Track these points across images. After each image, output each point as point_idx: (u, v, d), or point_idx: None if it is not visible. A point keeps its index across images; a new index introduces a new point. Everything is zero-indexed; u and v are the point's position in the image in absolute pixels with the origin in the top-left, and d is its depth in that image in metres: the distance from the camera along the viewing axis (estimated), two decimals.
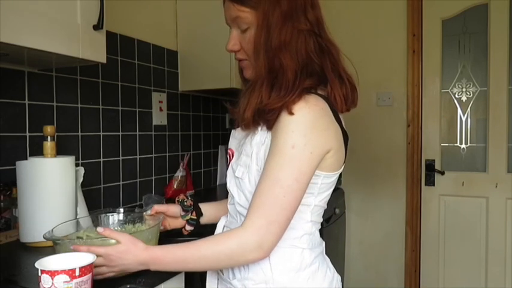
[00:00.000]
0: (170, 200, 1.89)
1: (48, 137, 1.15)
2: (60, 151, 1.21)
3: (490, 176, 2.35)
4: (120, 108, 1.72)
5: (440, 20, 2.42)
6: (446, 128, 2.47)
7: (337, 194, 2.41)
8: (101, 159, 1.62)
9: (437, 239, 2.47)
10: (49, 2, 1.03)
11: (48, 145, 1.15)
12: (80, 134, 1.53)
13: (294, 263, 0.85)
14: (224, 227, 0.97)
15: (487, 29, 2.32)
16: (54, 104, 1.43)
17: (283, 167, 0.77)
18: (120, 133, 1.73)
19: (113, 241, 0.86)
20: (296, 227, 0.85)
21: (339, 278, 0.94)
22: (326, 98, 0.84)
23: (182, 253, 0.83)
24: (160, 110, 1.97)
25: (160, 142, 1.98)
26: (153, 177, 1.92)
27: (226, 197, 0.99)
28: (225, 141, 2.47)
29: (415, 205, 2.50)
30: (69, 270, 0.68)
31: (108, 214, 1.12)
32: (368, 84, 2.49)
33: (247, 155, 0.86)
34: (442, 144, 2.47)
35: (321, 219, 0.92)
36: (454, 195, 2.44)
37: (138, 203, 1.80)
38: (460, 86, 2.43)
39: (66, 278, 0.68)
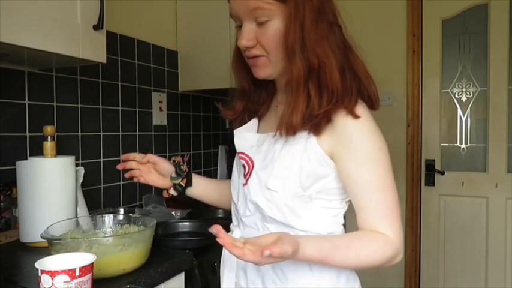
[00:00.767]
0: (170, 200, 1.88)
1: (48, 137, 1.15)
2: (60, 151, 1.21)
3: (490, 176, 2.35)
4: (120, 108, 1.72)
5: (440, 20, 2.42)
6: (446, 128, 2.47)
7: None
8: (101, 159, 1.62)
9: (437, 239, 2.47)
10: (49, 2, 1.03)
11: (48, 145, 1.15)
12: (80, 134, 1.53)
13: (334, 267, 0.81)
14: (240, 237, 0.82)
15: (487, 29, 2.32)
16: (54, 104, 1.43)
17: (382, 172, 0.78)
18: (120, 133, 1.73)
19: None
20: (335, 231, 0.84)
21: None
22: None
23: (338, 260, 0.76)
24: (160, 110, 1.97)
25: (160, 142, 1.98)
26: None
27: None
28: (225, 141, 2.47)
29: (415, 205, 2.50)
30: (69, 270, 0.68)
31: (104, 215, 1.12)
32: None
33: (284, 165, 0.80)
34: (442, 144, 2.47)
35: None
36: (454, 195, 2.44)
37: (138, 203, 1.80)
38: (460, 86, 2.43)
39: (66, 278, 0.68)
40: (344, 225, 0.87)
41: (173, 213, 1.54)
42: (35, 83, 1.35)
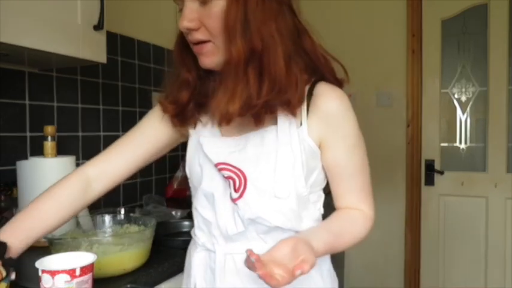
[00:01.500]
0: (170, 200, 1.89)
1: (49, 137, 1.15)
2: (61, 151, 1.21)
3: (489, 176, 2.35)
4: (120, 108, 1.72)
5: (440, 20, 2.42)
6: (445, 128, 2.47)
7: None
8: None
9: (437, 239, 2.48)
10: (49, 2, 1.03)
11: (49, 145, 1.15)
12: (80, 134, 1.53)
13: (328, 262, 0.86)
14: (226, 254, 0.78)
15: (486, 29, 2.32)
16: (55, 104, 1.43)
17: (362, 154, 0.81)
18: (120, 133, 1.73)
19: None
20: (320, 219, 0.82)
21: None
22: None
23: (339, 246, 0.78)
24: None
25: None
26: (153, 177, 1.92)
27: None
28: None
29: (415, 205, 2.50)
30: (70, 269, 0.68)
31: (104, 215, 1.12)
32: (367, 84, 2.49)
33: (287, 169, 0.73)
34: (441, 144, 2.47)
35: None
36: (453, 195, 2.44)
37: (138, 203, 1.80)
38: (459, 86, 2.43)
39: (67, 277, 0.68)
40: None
41: (173, 213, 1.54)
42: (35, 83, 1.35)
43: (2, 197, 1.21)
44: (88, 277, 0.71)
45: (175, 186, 1.95)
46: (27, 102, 1.33)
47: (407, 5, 2.45)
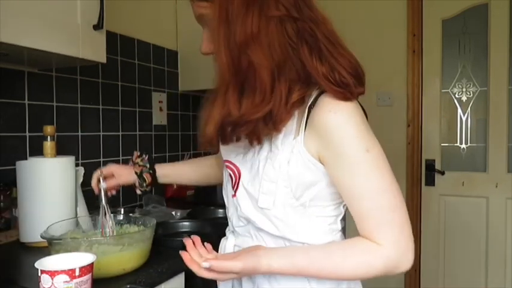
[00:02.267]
0: (170, 200, 1.89)
1: (48, 137, 1.15)
2: (60, 151, 1.21)
3: (490, 176, 2.35)
4: (120, 108, 1.72)
5: (441, 20, 2.42)
6: (446, 128, 2.47)
7: None
8: (101, 159, 1.62)
9: (437, 239, 2.47)
10: (49, 2, 1.03)
11: (48, 145, 1.15)
12: (80, 134, 1.53)
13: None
14: (235, 246, 0.85)
15: (487, 29, 2.32)
16: (54, 104, 1.43)
17: (372, 175, 0.70)
18: (120, 133, 1.73)
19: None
20: (333, 240, 0.79)
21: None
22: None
23: (313, 258, 0.72)
24: (160, 110, 1.97)
25: (160, 142, 1.98)
26: None
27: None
28: None
29: (415, 205, 2.49)
30: (69, 270, 0.68)
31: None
32: (368, 84, 2.46)
33: (272, 181, 0.74)
34: (442, 144, 2.47)
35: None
36: (454, 195, 2.44)
37: (138, 203, 1.80)
38: (460, 86, 2.43)
39: (66, 278, 0.68)
40: (344, 228, 0.83)
41: (173, 213, 1.54)
42: (35, 83, 1.35)
43: (2, 197, 1.21)
44: (87, 277, 0.71)
45: (175, 186, 1.95)
46: (26, 102, 1.33)
47: (408, 5, 2.45)
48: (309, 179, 0.74)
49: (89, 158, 1.56)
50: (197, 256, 0.71)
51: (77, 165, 1.22)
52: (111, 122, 1.67)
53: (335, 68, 0.70)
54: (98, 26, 1.15)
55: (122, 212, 1.43)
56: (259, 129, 0.71)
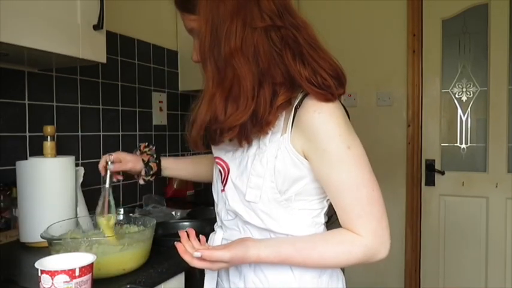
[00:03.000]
0: (170, 200, 1.89)
1: (48, 137, 1.15)
2: (60, 151, 1.21)
3: (490, 176, 2.35)
4: (120, 108, 1.72)
5: (440, 20, 2.42)
6: (446, 128, 2.47)
7: None
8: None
9: (437, 239, 2.47)
10: (49, 2, 1.03)
11: (48, 145, 1.15)
12: (80, 134, 1.53)
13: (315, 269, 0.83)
14: (223, 239, 0.89)
15: (487, 29, 2.32)
16: (54, 104, 1.43)
17: (352, 170, 0.75)
18: (120, 133, 1.73)
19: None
20: (316, 232, 0.83)
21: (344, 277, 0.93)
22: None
23: (301, 262, 0.78)
24: (160, 110, 1.97)
25: (160, 142, 1.98)
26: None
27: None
28: None
29: (415, 205, 2.50)
30: (69, 270, 0.68)
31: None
32: (368, 84, 2.49)
33: (259, 176, 0.78)
34: (442, 144, 2.47)
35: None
36: (454, 195, 2.44)
37: (138, 203, 1.80)
38: (460, 86, 2.43)
39: (66, 278, 0.68)
40: (327, 222, 0.87)
41: (173, 213, 1.54)
42: (35, 83, 1.35)
43: (2, 197, 1.21)
44: (87, 277, 0.71)
45: (175, 186, 1.95)
46: (26, 102, 1.33)
47: (408, 5, 2.45)
48: (295, 174, 0.78)
49: (89, 158, 1.56)
50: (190, 248, 0.75)
51: (77, 165, 1.22)
52: (111, 122, 1.67)
53: (317, 71, 0.75)
54: (98, 26, 1.15)
55: (122, 212, 1.43)
56: (247, 131, 0.75)
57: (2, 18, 0.91)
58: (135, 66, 1.81)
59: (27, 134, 1.33)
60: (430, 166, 2.47)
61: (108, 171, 1.06)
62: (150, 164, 1.12)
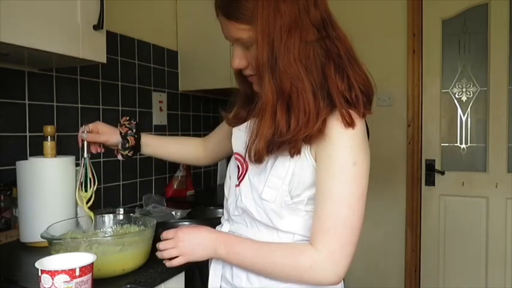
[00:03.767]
0: (170, 200, 1.89)
1: (48, 137, 1.15)
2: (60, 151, 1.21)
3: (490, 176, 2.35)
4: (120, 108, 1.72)
5: (440, 20, 2.42)
6: (446, 128, 2.47)
7: None
8: (101, 159, 1.62)
9: (437, 239, 2.47)
10: (49, 2, 1.03)
11: (48, 145, 1.15)
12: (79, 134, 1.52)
13: None
14: (229, 231, 0.91)
15: (487, 29, 2.32)
16: (54, 103, 1.43)
17: (347, 186, 0.74)
18: None
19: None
20: None
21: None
22: None
23: (255, 249, 0.79)
24: (161, 110, 1.97)
25: None
26: (153, 177, 1.92)
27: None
28: None
29: (415, 205, 2.50)
30: (70, 270, 0.68)
31: (104, 215, 1.12)
32: None
33: (279, 177, 0.79)
34: (442, 144, 2.47)
35: None
36: (454, 195, 2.44)
37: (138, 203, 1.80)
38: (460, 86, 2.43)
39: (67, 277, 0.68)
40: None
41: (173, 213, 1.54)
42: (35, 82, 1.35)
43: (2, 197, 1.21)
44: (88, 277, 0.71)
45: (175, 186, 1.95)
46: (26, 102, 1.33)
47: (408, 5, 2.45)
48: (310, 180, 0.79)
49: (89, 158, 1.56)
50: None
51: (77, 165, 1.22)
52: (111, 122, 1.66)
53: (352, 86, 0.75)
54: (98, 26, 1.15)
55: (122, 212, 1.43)
56: (301, 144, 0.75)
57: (2, 18, 0.91)
58: (135, 66, 1.81)
59: (27, 134, 1.33)
60: (430, 166, 2.47)
61: (85, 142, 1.06)
62: (127, 137, 1.11)
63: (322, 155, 0.75)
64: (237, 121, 0.91)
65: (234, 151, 0.90)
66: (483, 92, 2.37)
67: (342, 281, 0.88)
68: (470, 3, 2.35)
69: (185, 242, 0.84)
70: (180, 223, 1.41)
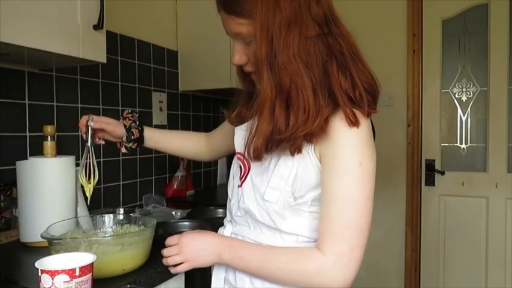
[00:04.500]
0: (170, 200, 1.89)
1: (48, 137, 1.15)
2: (60, 151, 1.21)
3: (490, 176, 2.35)
4: (120, 108, 1.72)
5: (440, 20, 2.42)
6: (446, 128, 2.47)
7: None
8: (101, 159, 1.62)
9: (437, 239, 2.47)
10: (49, 2, 1.03)
11: (48, 145, 1.15)
12: (80, 134, 1.52)
13: None
14: (232, 233, 0.90)
15: (487, 29, 2.32)
16: (54, 103, 1.43)
17: (353, 187, 0.71)
18: None
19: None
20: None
21: None
22: None
23: (260, 254, 0.77)
24: (161, 110, 1.97)
25: None
26: (153, 177, 1.92)
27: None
28: None
29: (415, 205, 2.50)
30: (69, 270, 0.68)
31: (104, 215, 1.12)
32: None
33: (282, 177, 0.77)
34: (442, 144, 2.47)
35: None
36: (454, 195, 2.44)
37: (138, 203, 1.80)
38: (460, 86, 2.43)
39: (66, 277, 0.68)
40: None
41: (173, 213, 1.54)
42: (35, 82, 1.35)
43: (2, 197, 1.21)
44: (88, 277, 0.71)
45: (175, 186, 1.95)
46: (27, 102, 1.33)
47: (408, 5, 2.45)
48: (313, 181, 0.77)
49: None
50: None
51: (77, 165, 1.22)
52: None
53: (356, 85, 0.73)
54: (98, 26, 1.15)
55: (122, 212, 1.43)
56: (301, 142, 0.73)
57: (2, 18, 0.91)
58: (135, 66, 1.81)
59: (27, 134, 1.33)
60: (430, 166, 2.47)
61: (90, 129, 1.06)
62: (132, 129, 1.13)
63: (327, 156, 0.74)
64: (239, 120, 0.90)
65: (236, 151, 0.90)
66: (483, 92, 2.37)
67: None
68: (470, 3, 2.35)
69: (189, 248, 0.83)
70: (180, 223, 1.41)
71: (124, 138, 1.13)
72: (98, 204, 1.58)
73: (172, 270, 0.87)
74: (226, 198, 0.95)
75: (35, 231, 1.07)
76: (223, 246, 0.81)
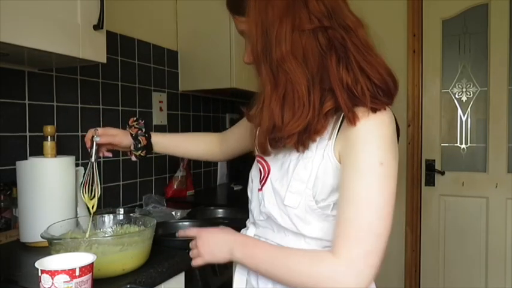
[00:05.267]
0: (170, 200, 1.89)
1: (48, 137, 1.15)
2: (60, 151, 1.21)
3: (490, 176, 2.35)
4: (120, 108, 1.72)
5: (441, 20, 2.42)
6: (446, 128, 2.47)
7: None
8: (101, 159, 1.62)
9: (437, 239, 2.47)
10: (49, 2, 1.03)
11: (48, 145, 1.15)
12: (80, 133, 1.53)
13: None
14: (255, 235, 0.87)
15: (487, 29, 2.32)
16: (54, 103, 1.43)
17: (372, 188, 0.67)
18: None
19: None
20: None
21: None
22: None
23: (272, 253, 0.76)
24: (161, 110, 1.97)
25: None
26: (153, 177, 1.92)
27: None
28: None
29: (415, 205, 2.50)
30: (69, 270, 0.68)
31: (104, 215, 1.12)
32: None
33: (302, 181, 0.75)
34: (442, 144, 2.47)
35: None
36: (454, 195, 2.44)
37: (138, 203, 1.80)
38: (460, 86, 2.43)
39: (66, 277, 0.68)
40: None
41: (173, 213, 1.54)
42: (35, 82, 1.35)
43: (2, 197, 1.21)
44: (88, 277, 0.71)
45: (175, 186, 1.95)
46: (27, 102, 1.33)
47: (408, 5, 2.45)
48: (334, 184, 0.74)
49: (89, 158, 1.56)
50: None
51: (77, 165, 1.22)
52: (111, 122, 1.67)
53: (358, 79, 0.70)
54: (98, 26, 1.15)
55: (122, 212, 1.43)
56: (303, 138, 0.73)
57: (2, 18, 0.91)
58: (135, 66, 1.81)
59: (27, 134, 1.33)
60: (430, 166, 2.47)
61: (94, 144, 1.05)
62: (138, 137, 1.12)
63: (345, 155, 0.71)
64: None
65: (257, 154, 0.87)
66: (483, 92, 2.37)
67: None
68: (470, 3, 2.35)
69: (204, 243, 0.84)
70: (180, 223, 1.41)
71: (132, 147, 1.12)
72: (98, 204, 1.58)
73: (193, 262, 0.88)
74: (247, 200, 0.93)
75: (35, 231, 1.07)
76: (236, 243, 0.81)
